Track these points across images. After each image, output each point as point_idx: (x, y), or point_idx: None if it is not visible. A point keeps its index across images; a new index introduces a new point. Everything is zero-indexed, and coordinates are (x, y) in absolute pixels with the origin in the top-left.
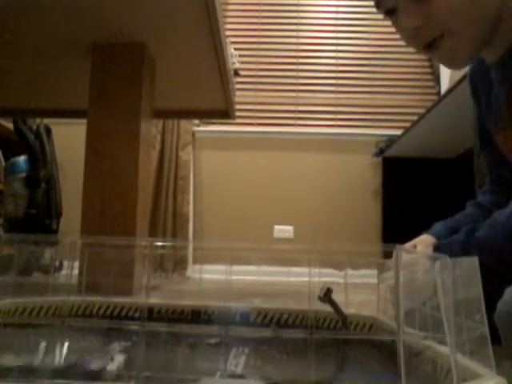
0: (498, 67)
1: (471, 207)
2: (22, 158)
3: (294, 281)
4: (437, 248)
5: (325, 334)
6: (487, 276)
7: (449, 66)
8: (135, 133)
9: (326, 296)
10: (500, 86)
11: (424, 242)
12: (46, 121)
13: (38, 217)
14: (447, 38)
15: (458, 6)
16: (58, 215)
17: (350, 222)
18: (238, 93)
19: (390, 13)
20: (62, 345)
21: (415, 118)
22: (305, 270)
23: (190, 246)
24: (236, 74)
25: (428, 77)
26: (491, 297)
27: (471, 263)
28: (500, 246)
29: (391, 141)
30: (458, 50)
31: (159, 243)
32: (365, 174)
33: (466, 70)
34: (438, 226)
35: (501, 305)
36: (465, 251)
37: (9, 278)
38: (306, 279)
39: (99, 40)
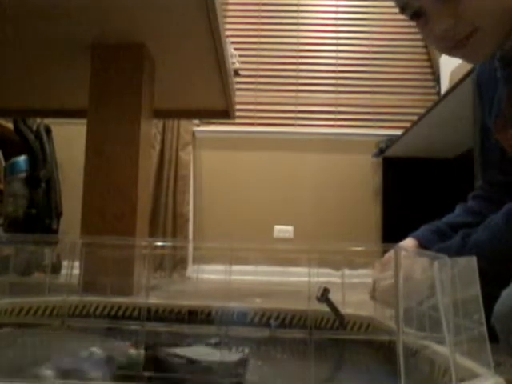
0: (504, 66)
1: (460, 211)
2: (22, 158)
3: (294, 281)
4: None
5: (324, 334)
6: (484, 279)
7: (472, 61)
8: (135, 133)
9: (323, 296)
10: (504, 84)
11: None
12: (46, 121)
13: (38, 217)
14: (477, 36)
15: (487, 4)
16: (58, 215)
17: (350, 222)
18: (237, 93)
19: (415, 16)
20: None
21: (415, 118)
22: (304, 269)
23: (190, 246)
24: (236, 74)
25: (428, 77)
26: (488, 298)
27: (469, 263)
28: (495, 249)
29: (391, 141)
30: (486, 46)
31: (159, 243)
32: (365, 173)
33: (465, 70)
34: (424, 230)
35: (498, 306)
36: (461, 255)
37: (8, 278)
38: (306, 279)
39: (99, 40)
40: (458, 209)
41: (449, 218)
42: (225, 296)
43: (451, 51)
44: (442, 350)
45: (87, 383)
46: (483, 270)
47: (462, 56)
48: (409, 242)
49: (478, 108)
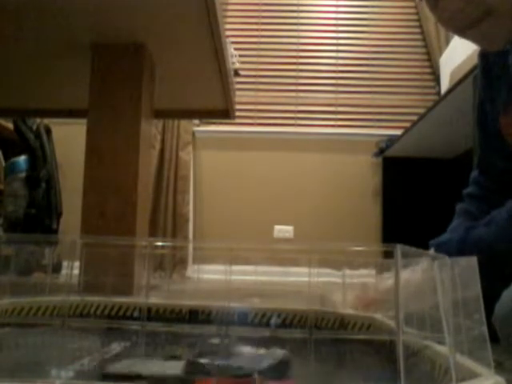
0: None
1: (461, 217)
2: (22, 158)
3: (294, 281)
4: (436, 246)
5: (324, 334)
6: (485, 276)
7: (487, 46)
8: (135, 133)
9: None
10: None
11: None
12: (46, 121)
13: (38, 217)
14: (490, 18)
15: None
16: (58, 215)
17: (349, 222)
18: (238, 93)
19: None
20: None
21: (415, 118)
22: (304, 269)
23: (190, 246)
24: (236, 74)
25: (428, 77)
26: (489, 298)
27: (470, 263)
28: (498, 246)
29: (391, 141)
30: (499, 30)
31: (159, 243)
32: (365, 174)
33: (465, 70)
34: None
35: (498, 307)
36: (462, 250)
37: (8, 277)
38: (306, 279)
39: (99, 40)
40: (459, 214)
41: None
42: (225, 296)
43: (463, 33)
44: (443, 349)
45: (88, 383)
46: (484, 266)
47: (474, 40)
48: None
49: (478, 92)
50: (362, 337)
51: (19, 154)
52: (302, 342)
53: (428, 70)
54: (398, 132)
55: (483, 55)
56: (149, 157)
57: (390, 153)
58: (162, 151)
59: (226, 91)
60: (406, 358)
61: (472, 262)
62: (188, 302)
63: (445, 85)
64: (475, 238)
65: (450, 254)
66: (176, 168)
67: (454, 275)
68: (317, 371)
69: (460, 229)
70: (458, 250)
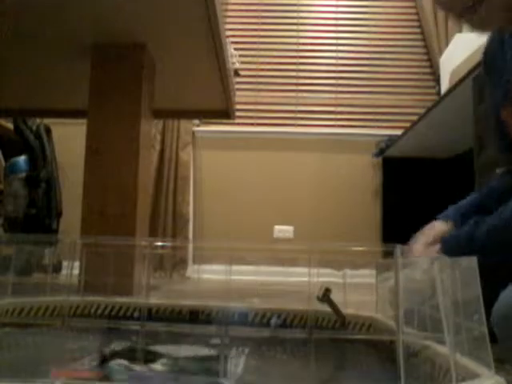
0: None
1: (486, 191)
2: (22, 158)
3: (294, 281)
4: (443, 242)
5: (324, 334)
6: (490, 274)
7: (482, 31)
8: (135, 133)
9: (325, 296)
10: None
11: (433, 231)
12: (46, 121)
13: (38, 217)
14: (486, 2)
15: None
16: (58, 215)
17: (350, 222)
18: (238, 93)
19: None
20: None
21: (415, 117)
22: (304, 269)
23: (190, 246)
24: (236, 74)
25: (428, 77)
26: (488, 298)
27: (470, 263)
28: (505, 240)
29: (391, 141)
30: (494, 14)
31: (159, 243)
32: (365, 173)
33: (465, 70)
34: (452, 212)
35: (496, 307)
36: (470, 245)
37: (8, 278)
38: (306, 279)
39: (99, 40)
40: (483, 192)
41: (472, 200)
42: (225, 296)
43: (460, 17)
44: (443, 350)
45: (88, 383)
46: (489, 264)
47: (471, 24)
48: (441, 226)
49: (486, 82)
50: (362, 337)
51: (19, 154)
52: (302, 342)
53: (428, 70)
54: (398, 132)
55: (486, 51)
56: (149, 157)
57: (389, 153)
58: (162, 151)
59: (226, 91)
60: (406, 357)
61: (472, 262)
62: (188, 302)
63: (445, 85)
64: (484, 232)
65: (458, 249)
66: (176, 168)
67: (454, 275)
68: (317, 371)
69: (469, 222)
70: (465, 245)
